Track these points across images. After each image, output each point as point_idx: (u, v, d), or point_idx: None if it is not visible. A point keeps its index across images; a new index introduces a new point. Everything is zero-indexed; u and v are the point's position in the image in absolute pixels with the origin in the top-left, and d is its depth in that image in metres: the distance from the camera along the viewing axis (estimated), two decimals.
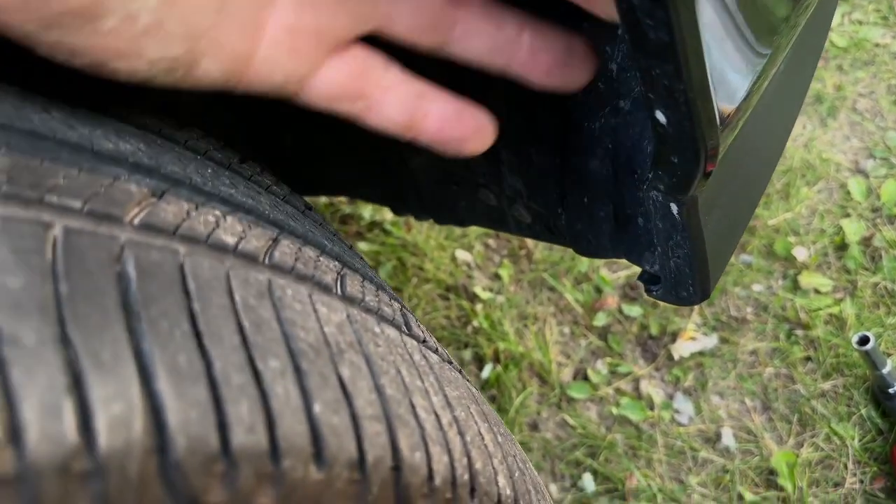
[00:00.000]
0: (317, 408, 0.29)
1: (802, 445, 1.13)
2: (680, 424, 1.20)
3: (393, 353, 0.37)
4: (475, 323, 1.41)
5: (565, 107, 0.58)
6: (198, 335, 0.27)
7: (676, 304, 0.61)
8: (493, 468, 0.40)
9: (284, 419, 0.27)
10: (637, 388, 1.26)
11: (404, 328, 0.44)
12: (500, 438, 0.44)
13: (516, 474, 0.43)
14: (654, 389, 1.24)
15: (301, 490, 0.28)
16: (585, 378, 1.29)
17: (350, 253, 0.52)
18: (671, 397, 1.23)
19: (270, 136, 0.90)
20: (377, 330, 0.38)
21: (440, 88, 0.41)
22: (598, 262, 1.42)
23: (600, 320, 1.35)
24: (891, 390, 1.11)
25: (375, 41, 0.40)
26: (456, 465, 0.36)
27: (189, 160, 0.41)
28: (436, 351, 0.47)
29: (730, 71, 0.42)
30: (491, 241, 1.58)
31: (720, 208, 0.55)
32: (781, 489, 1.09)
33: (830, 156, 1.45)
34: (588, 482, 1.16)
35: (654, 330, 1.31)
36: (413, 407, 0.35)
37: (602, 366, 1.30)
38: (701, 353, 1.26)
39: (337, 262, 0.43)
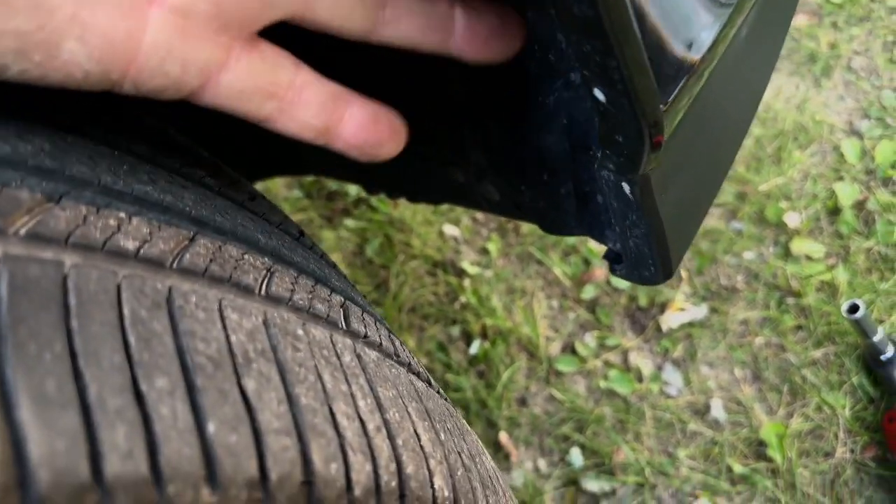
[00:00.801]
0: (211, 427, 0.27)
1: (793, 416, 1.12)
2: (669, 396, 1.18)
3: (315, 358, 0.36)
4: (463, 299, 1.40)
5: (520, 80, 0.56)
6: (73, 356, 0.26)
7: (640, 283, 0.59)
8: (429, 470, 0.38)
9: (170, 442, 0.26)
10: (626, 361, 1.25)
11: (341, 325, 0.42)
12: (442, 436, 0.43)
13: (459, 473, 0.42)
14: (642, 361, 1.23)
15: None
16: (573, 351, 1.28)
17: (293, 244, 0.50)
18: (660, 369, 1.22)
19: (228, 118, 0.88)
20: (300, 332, 0.36)
21: (353, 91, 0.39)
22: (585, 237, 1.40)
23: (588, 293, 1.33)
24: (882, 357, 1.09)
25: (290, 39, 0.38)
26: (381, 473, 0.34)
27: (102, 157, 0.39)
28: (379, 346, 0.45)
29: (672, 44, 0.39)
30: (479, 216, 1.56)
31: (678, 186, 0.52)
32: (771, 460, 1.08)
33: (824, 117, 1.41)
34: (576, 457, 1.16)
35: (642, 301, 1.29)
36: (333, 415, 0.34)
37: (590, 339, 1.28)
38: (690, 324, 1.24)
39: (267, 259, 0.41)
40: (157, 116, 0.52)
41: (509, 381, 1.26)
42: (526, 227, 1.48)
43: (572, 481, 1.14)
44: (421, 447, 0.39)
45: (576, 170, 0.57)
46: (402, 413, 0.39)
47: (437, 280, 1.45)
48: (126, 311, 0.28)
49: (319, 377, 0.35)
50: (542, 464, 1.18)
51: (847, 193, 1.28)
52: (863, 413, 1.10)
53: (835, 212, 1.28)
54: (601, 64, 0.36)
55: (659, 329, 1.25)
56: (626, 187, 0.49)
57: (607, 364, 1.25)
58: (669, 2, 0.38)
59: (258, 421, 0.29)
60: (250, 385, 0.30)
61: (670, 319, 1.24)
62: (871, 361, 1.11)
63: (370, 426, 0.36)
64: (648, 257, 0.56)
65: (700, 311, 1.24)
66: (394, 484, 0.35)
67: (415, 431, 0.39)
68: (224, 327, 0.32)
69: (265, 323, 0.34)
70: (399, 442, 0.37)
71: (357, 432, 0.34)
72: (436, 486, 0.38)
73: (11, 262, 0.27)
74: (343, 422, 0.34)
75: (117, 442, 0.24)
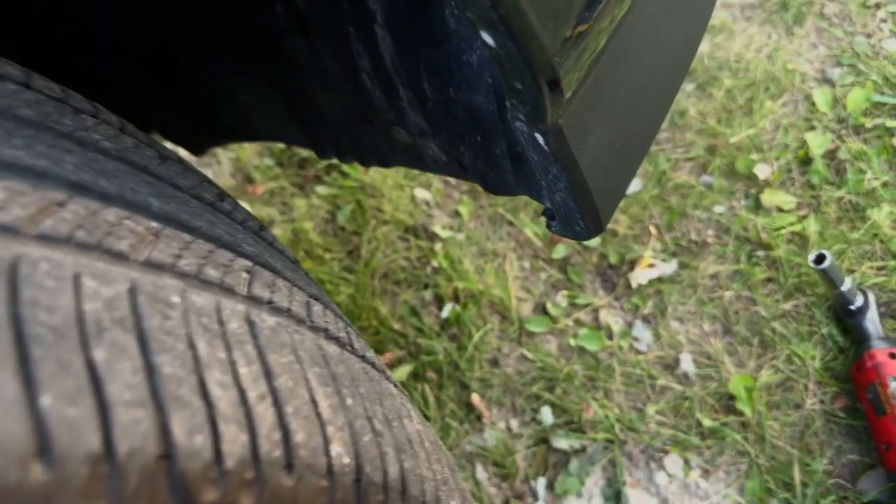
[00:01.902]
0: (45, 400, 0.26)
1: (762, 368, 1.11)
2: (638, 352, 1.18)
3: (190, 325, 0.34)
4: (435, 263, 1.38)
5: (443, 37, 0.55)
6: None
7: (574, 238, 0.58)
8: (325, 437, 0.37)
9: None
10: (596, 319, 1.24)
11: (240, 290, 0.41)
12: (349, 401, 0.42)
13: (365, 438, 0.41)
14: (612, 319, 1.22)
15: (21, 493, 0.25)
16: (545, 311, 1.27)
17: (199, 209, 0.49)
18: (630, 325, 1.21)
19: (170, 81, 0.86)
20: (174, 300, 0.35)
21: None
22: None
23: (559, 252, 1.32)
24: (852, 307, 1.08)
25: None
26: (261, 442, 0.33)
27: None
28: (286, 311, 0.44)
29: None
30: (450, 179, 1.53)
31: (599, 138, 0.50)
32: (741, 414, 1.08)
33: (796, 66, 1.38)
34: (547, 415, 1.15)
35: (612, 259, 1.27)
36: (203, 384, 0.32)
37: (561, 298, 1.27)
38: (660, 280, 1.23)
39: (156, 223, 0.40)
40: (60, 79, 0.49)
41: (481, 342, 1.25)
42: None
43: (543, 440, 1.14)
44: (318, 414, 0.38)
45: (506, 130, 0.55)
46: (297, 379, 0.38)
47: (409, 245, 1.44)
48: None
49: (192, 345, 0.33)
50: (514, 423, 1.18)
51: (818, 143, 1.26)
52: (833, 363, 1.09)
53: (806, 162, 1.26)
54: (480, 5, 0.34)
55: (629, 286, 1.24)
56: (539, 138, 0.47)
57: (578, 322, 1.24)
58: None
59: (105, 392, 0.28)
60: (99, 355, 0.29)
61: (640, 276, 1.23)
62: (840, 311, 1.10)
63: (251, 394, 0.34)
64: (576, 212, 0.55)
65: (670, 267, 1.23)
66: (277, 453, 0.34)
67: (311, 398, 0.38)
68: (76, 295, 0.30)
69: (131, 291, 0.33)
70: (289, 409, 0.36)
71: (232, 401, 0.33)
72: (332, 454, 0.37)
73: None
74: (215, 391, 0.32)
75: None
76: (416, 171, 1.57)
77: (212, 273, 0.39)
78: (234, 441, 0.32)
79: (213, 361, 0.33)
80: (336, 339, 0.48)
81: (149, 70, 0.86)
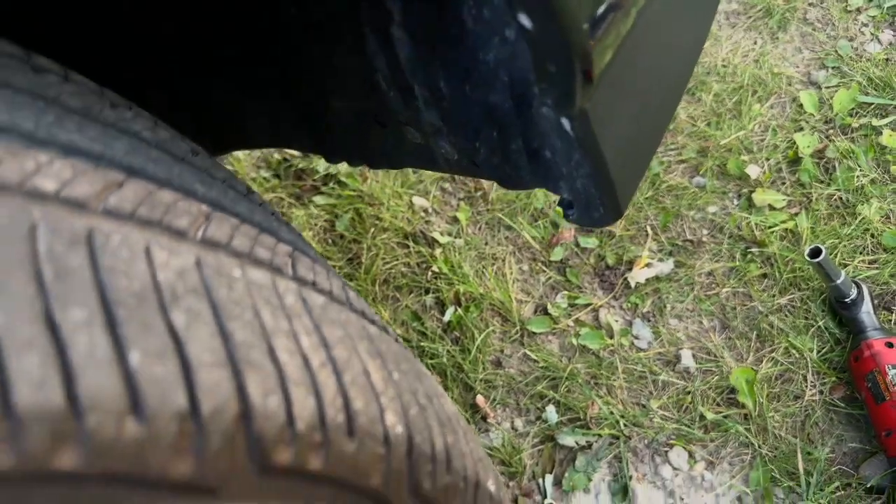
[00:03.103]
0: (133, 357, 0.27)
1: (762, 361, 1.13)
2: (640, 350, 1.20)
3: (253, 297, 0.35)
4: (435, 268, 1.40)
5: (461, 37, 0.56)
6: None
7: (592, 226, 0.60)
8: (380, 406, 0.38)
9: (87, 372, 0.25)
10: (596, 319, 1.25)
11: (287, 271, 0.42)
12: (396, 376, 0.43)
13: (413, 411, 0.42)
14: (612, 318, 1.24)
15: (117, 447, 0.26)
16: (546, 312, 1.28)
17: (237, 197, 0.50)
18: (630, 324, 1.23)
19: (195, 92, 0.87)
20: (236, 274, 0.36)
21: None
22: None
23: (558, 255, 1.34)
24: (847, 300, 1.10)
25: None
26: (326, 407, 0.34)
27: (21, 107, 0.38)
28: (329, 293, 0.45)
29: None
30: (447, 185, 1.55)
31: (619, 124, 0.52)
32: (742, 406, 1.10)
33: (782, 70, 1.41)
34: (551, 414, 1.17)
35: (610, 260, 1.29)
36: (272, 350, 0.33)
37: (561, 299, 1.29)
38: (657, 279, 1.25)
39: (206, 206, 0.41)
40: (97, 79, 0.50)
41: (483, 344, 1.27)
42: (494, 194, 1.48)
43: (549, 437, 1.15)
44: (371, 384, 0.39)
45: (523, 126, 0.57)
46: (350, 352, 0.39)
47: (409, 251, 1.45)
48: (41, 247, 0.28)
49: (257, 315, 0.34)
50: (520, 423, 1.19)
51: (807, 143, 1.29)
52: (830, 354, 1.12)
53: (795, 161, 1.30)
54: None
55: (627, 286, 1.26)
56: (565, 123, 0.49)
57: (578, 322, 1.25)
58: None
59: (187, 353, 0.29)
60: (178, 319, 0.30)
61: (638, 276, 1.25)
62: (836, 304, 1.13)
63: (314, 362, 0.35)
64: (596, 197, 0.57)
65: (667, 266, 1.25)
66: (341, 419, 0.35)
67: (364, 369, 0.39)
68: (150, 265, 0.31)
69: (198, 264, 0.34)
70: (347, 378, 0.37)
71: (299, 367, 0.34)
72: (387, 423, 0.38)
73: None
74: (283, 357, 0.34)
75: (28, 371, 0.24)
76: (413, 179, 1.58)
77: (262, 253, 0.41)
78: (304, 404, 0.33)
79: (278, 330, 0.35)
80: (374, 322, 0.49)
81: (162, 77, 0.87)
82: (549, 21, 0.37)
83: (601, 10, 0.40)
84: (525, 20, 0.38)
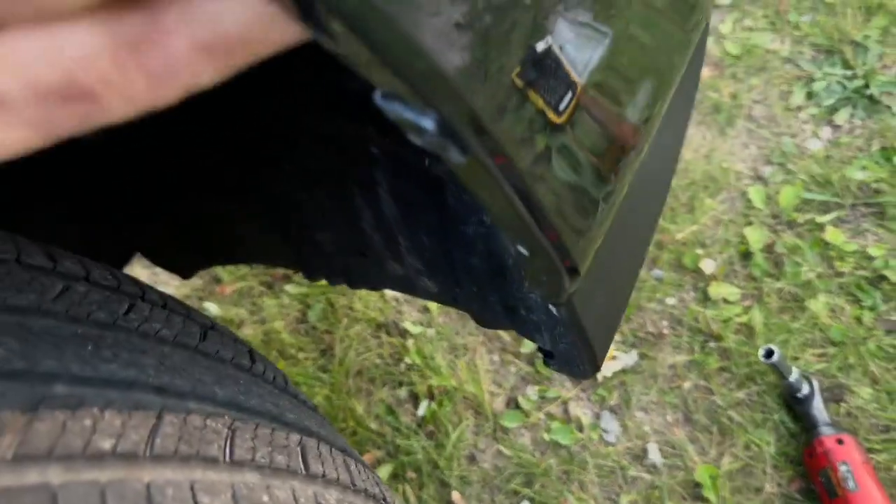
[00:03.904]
0: None
1: (723, 455, 1.19)
2: (608, 444, 1.24)
3: None
4: (408, 360, 1.43)
5: (442, 208, 0.62)
6: None
7: (571, 376, 0.65)
8: None
9: None
10: (566, 411, 1.30)
11: (301, 471, 0.46)
12: None
13: None
14: (581, 411, 1.29)
15: None
16: (517, 405, 1.33)
17: (248, 382, 0.53)
18: (598, 417, 1.28)
19: (171, 207, 0.90)
20: (265, 499, 0.39)
21: None
22: None
23: (528, 345, 1.39)
24: (799, 395, 1.18)
25: None
26: None
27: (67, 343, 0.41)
28: (336, 481, 0.49)
29: (577, 199, 0.45)
30: None
31: (597, 299, 0.58)
32: (707, 501, 1.15)
33: (731, 165, 1.51)
34: None
35: None
36: None
37: (532, 392, 1.34)
38: (623, 371, 1.31)
39: (227, 417, 0.44)
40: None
41: (458, 440, 1.30)
42: None
43: None
44: None
45: (500, 288, 0.62)
46: None
47: (382, 342, 1.48)
48: None
49: None
50: None
51: (756, 238, 1.38)
52: (786, 448, 1.18)
53: (747, 255, 1.38)
54: (519, 231, 0.41)
55: (595, 378, 1.32)
56: (552, 309, 0.54)
57: (549, 416, 1.30)
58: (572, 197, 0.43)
59: None
60: None
61: (604, 368, 1.31)
62: (789, 399, 1.20)
63: None
64: (576, 358, 0.62)
65: (631, 358, 1.31)
66: None
67: None
68: None
69: (234, 497, 0.37)
70: None
71: None
72: None
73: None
74: None
75: None
76: None
77: (280, 459, 0.44)
78: None
79: None
80: (374, 498, 0.53)
81: (147, 199, 0.90)
82: (543, 252, 0.42)
83: (589, 233, 0.45)
84: (523, 249, 0.43)
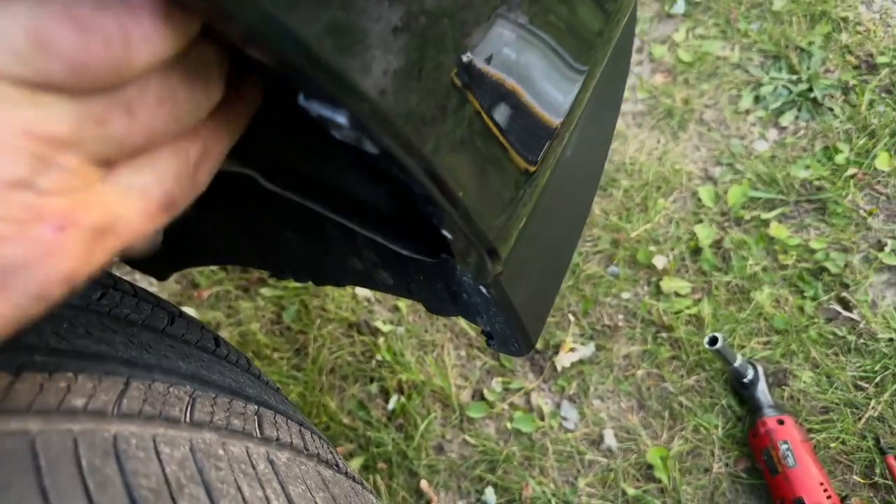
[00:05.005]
0: None
1: (674, 439, 1.26)
2: (567, 430, 1.31)
3: (235, 473, 0.45)
4: (378, 357, 1.50)
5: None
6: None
7: (509, 355, 0.72)
8: None
9: None
10: (528, 401, 1.37)
11: (256, 434, 0.52)
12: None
13: None
14: (542, 401, 1.35)
15: None
16: (482, 397, 1.40)
17: (211, 361, 0.59)
18: (558, 406, 1.35)
19: None
20: (220, 453, 0.46)
21: None
22: None
23: None
24: (745, 380, 1.25)
25: None
26: None
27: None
28: (290, 445, 0.55)
29: (497, 192, 0.51)
30: None
31: (526, 282, 0.65)
32: (659, 481, 1.22)
33: (682, 166, 1.59)
34: (490, 496, 1.26)
35: (539, 345, 1.42)
36: None
37: (496, 384, 1.40)
38: (581, 362, 1.38)
39: (189, 385, 0.51)
40: None
41: (426, 431, 1.36)
42: None
43: None
44: None
45: (444, 278, 0.69)
46: (309, 502, 0.49)
47: (354, 340, 1.54)
48: (84, 463, 0.37)
49: (239, 489, 0.44)
50: None
51: (706, 234, 1.46)
52: (733, 430, 1.26)
53: (697, 251, 1.46)
54: (439, 216, 0.47)
55: (555, 369, 1.39)
56: (482, 289, 0.61)
57: (513, 406, 1.37)
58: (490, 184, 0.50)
59: None
60: None
61: (564, 360, 1.38)
62: (736, 384, 1.28)
63: None
64: (511, 337, 0.68)
65: (588, 350, 1.39)
66: None
67: None
68: (160, 461, 0.41)
69: (192, 450, 0.44)
70: None
71: None
72: None
73: None
74: None
75: None
76: None
77: (236, 423, 0.51)
78: None
79: (255, 499, 0.44)
80: (326, 462, 0.59)
81: None
82: (465, 237, 0.49)
83: (506, 220, 0.52)
84: (447, 234, 0.49)
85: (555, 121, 0.58)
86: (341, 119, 0.33)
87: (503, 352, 0.72)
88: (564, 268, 0.76)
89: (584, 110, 0.68)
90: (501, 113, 0.49)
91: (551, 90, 0.58)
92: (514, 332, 0.68)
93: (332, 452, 0.62)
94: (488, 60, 0.44)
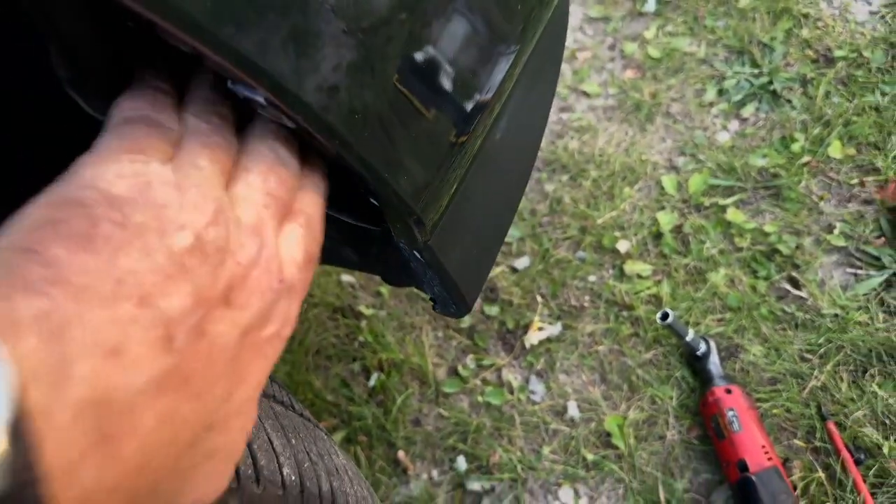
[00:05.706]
0: None
1: (631, 408, 1.36)
2: (534, 403, 1.41)
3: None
4: (361, 338, 1.59)
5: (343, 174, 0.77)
6: None
7: (450, 316, 0.81)
8: (279, 463, 0.58)
9: None
10: (499, 377, 1.47)
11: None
12: (293, 441, 0.62)
13: (305, 465, 0.61)
14: (512, 376, 1.45)
15: None
16: (457, 374, 1.49)
17: None
18: (527, 381, 1.44)
19: None
20: None
21: None
22: None
23: (466, 322, 1.55)
24: (698, 353, 1.34)
25: None
26: (241, 465, 0.54)
27: None
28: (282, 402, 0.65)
29: (423, 151, 0.61)
30: None
31: (459, 249, 0.74)
32: (616, 448, 1.32)
33: (648, 157, 1.69)
34: (461, 463, 1.36)
35: (510, 325, 1.52)
36: None
37: (470, 361, 1.50)
38: (549, 340, 1.47)
39: None
40: None
41: (404, 405, 1.46)
42: None
43: (459, 485, 1.34)
44: (272, 448, 0.59)
45: (393, 247, 0.78)
46: (258, 429, 0.59)
47: (338, 323, 1.64)
48: None
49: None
50: (435, 473, 1.38)
51: (667, 220, 1.55)
52: (686, 400, 1.35)
53: (658, 236, 1.55)
54: (364, 184, 0.57)
55: (524, 347, 1.48)
56: (416, 254, 0.70)
57: (485, 381, 1.46)
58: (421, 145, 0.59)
59: None
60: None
61: (532, 338, 1.47)
62: (690, 358, 1.37)
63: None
64: (448, 300, 0.78)
65: (556, 329, 1.48)
66: (250, 472, 0.54)
67: (268, 439, 0.59)
68: None
69: None
70: (255, 446, 0.57)
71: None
72: (284, 473, 0.58)
73: None
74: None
75: None
76: None
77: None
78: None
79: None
80: (281, 402, 0.69)
81: None
82: (388, 196, 0.57)
83: (430, 190, 0.61)
84: (373, 200, 0.58)
85: (484, 93, 0.66)
86: (260, 99, 0.42)
87: (444, 314, 0.81)
88: (502, 236, 0.85)
89: (519, 84, 0.76)
90: (421, 82, 0.56)
91: (479, 61, 0.64)
92: (451, 295, 0.77)
93: (287, 396, 0.72)
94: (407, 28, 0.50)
